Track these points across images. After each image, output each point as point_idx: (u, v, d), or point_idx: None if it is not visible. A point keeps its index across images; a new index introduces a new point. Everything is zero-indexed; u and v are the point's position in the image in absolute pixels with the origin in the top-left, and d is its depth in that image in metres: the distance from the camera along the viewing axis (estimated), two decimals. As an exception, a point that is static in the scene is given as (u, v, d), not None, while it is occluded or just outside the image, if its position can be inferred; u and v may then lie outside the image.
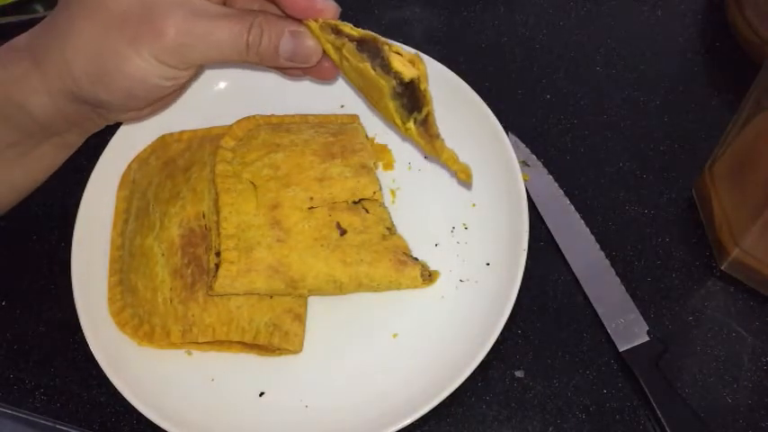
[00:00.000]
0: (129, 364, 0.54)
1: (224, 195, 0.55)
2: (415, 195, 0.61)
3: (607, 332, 0.55)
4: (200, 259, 0.55)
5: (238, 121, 0.59)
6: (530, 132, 0.65)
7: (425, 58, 0.63)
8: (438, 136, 0.47)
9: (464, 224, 0.59)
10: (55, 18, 0.47)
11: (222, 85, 0.65)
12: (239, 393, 0.54)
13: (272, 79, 0.64)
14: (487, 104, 0.62)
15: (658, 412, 0.51)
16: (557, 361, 0.55)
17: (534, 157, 0.63)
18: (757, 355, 0.55)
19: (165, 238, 0.56)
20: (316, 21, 0.47)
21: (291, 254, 0.53)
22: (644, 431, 0.53)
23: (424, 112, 0.47)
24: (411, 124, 0.47)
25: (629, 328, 0.55)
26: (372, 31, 0.66)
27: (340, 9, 0.48)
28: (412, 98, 0.47)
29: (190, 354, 0.55)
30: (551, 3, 0.72)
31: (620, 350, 0.54)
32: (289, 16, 0.48)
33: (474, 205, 0.60)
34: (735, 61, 0.68)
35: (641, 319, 0.56)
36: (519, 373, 0.55)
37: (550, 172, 0.62)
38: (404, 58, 0.46)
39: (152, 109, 0.53)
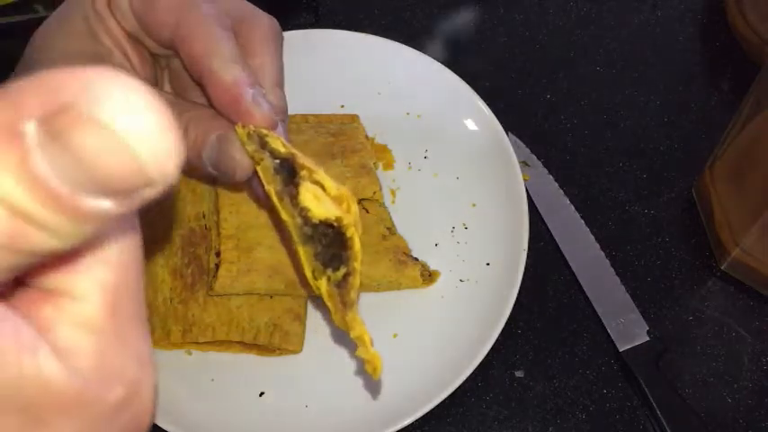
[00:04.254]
0: (129, 364, 0.53)
1: (224, 196, 0.55)
2: (415, 195, 0.60)
3: (607, 332, 0.55)
4: (201, 259, 0.55)
5: (238, 122, 0.59)
6: (530, 132, 0.65)
7: (426, 58, 0.64)
8: (353, 305, 0.36)
9: (464, 224, 0.59)
10: None
11: (222, 85, 0.65)
12: (239, 393, 0.54)
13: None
14: (487, 104, 0.62)
15: (658, 412, 0.51)
16: (557, 361, 0.55)
17: (534, 157, 0.63)
18: (757, 355, 0.55)
19: (165, 238, 0.56)
20: (245, 127, 0.38)
21: (291, 254, 0.53)
22: (644, 431, 0.53)
23: (342, 271, 0.36)
24: (323, 282, 0.36)
25: (629, 328, 0.55)
26: (372, 32, 0.66)
27: (276, 119, 0.39)
28: (334, 248, 0.36)
29: (190, 354, 0.55)
30: (551, 3, 0.72)
31: (621, 350, 0.54)
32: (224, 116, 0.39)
33: (474, 205, 0.60)
34: (735, 61, 0.68)
35: (641, 318, 0.55)
36: (519, 373, 0.55)
37: (550, 172, 0.62)
38: (327, 192, 0.35)
39: None
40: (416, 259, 0.56)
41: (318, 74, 0.65)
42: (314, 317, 0.56)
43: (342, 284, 0.36)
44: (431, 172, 0.61)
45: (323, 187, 0.35)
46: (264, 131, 0.37)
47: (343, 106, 0.64)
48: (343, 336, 0.55)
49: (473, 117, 0.62)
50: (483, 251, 0.57)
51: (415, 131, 0.63)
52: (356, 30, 0.66)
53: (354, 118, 0.62)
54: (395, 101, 0.64)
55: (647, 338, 0.54)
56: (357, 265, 0.36)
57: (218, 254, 0.53)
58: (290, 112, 0.63)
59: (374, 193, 0.56)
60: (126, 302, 0.19)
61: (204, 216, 0.56)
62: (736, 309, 0.57)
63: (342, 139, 0.59)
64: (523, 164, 0.62)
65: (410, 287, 0.56)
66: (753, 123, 0.53)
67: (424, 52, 0.65)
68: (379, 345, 0.55)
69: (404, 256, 0.55)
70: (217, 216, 0.54)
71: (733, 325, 0.56)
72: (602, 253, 0.58)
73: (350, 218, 0.35)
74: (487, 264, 0.57)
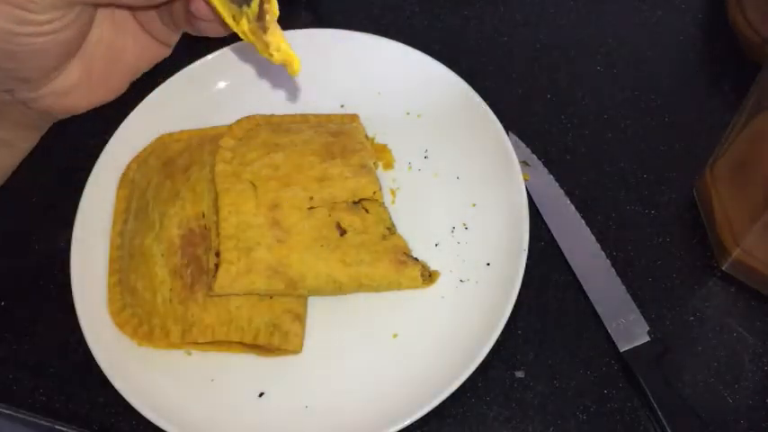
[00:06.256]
0: (129, 365, 0.53)
1: (223, 195, 0.55)
2: (415, 195, 0.60)
3: (607, 332, 0.55)
4: (200, 259, 0.55)
5: (238, 121, 0.59)
6: (530, 132, 0.64)
7: (426, 58, 0.64)
8: (271, 25, 0.38)
9: (464, 224, 0.59)
10: None
11: (222, 84, 0.65)
12: (239, 393, 0.54)
13: (272, 79, 0.65)
14: (487, 104, 0.62)
15: (659, 413, 0.51)
16: (557, 361, 0.55)
17: (534, 156, 0.63)
18: (758, 355, 0.55)
19: (164, 238, 0.56)
20: None
21: (291, 254, 0.53)
22: None
23: (256, 2, 0.37)
24: (244, 23, 0.38)
25: (629, 329, 0.55)
26: (372, 32, 0.66)
27: None
28: None
29: (189, 354, 0.55)
30: (552, 2, 0.72)
31: (621, 350, 0.54)
32: None
33: (474, 205, 0.60)
34: (735, 61, 0.68)
35: (642, 319, 0.55)
36: (519, 374, 0.55)
37: (551, 172, 0.62)
38: None
39: (60, 84, 0.42)
40: (416, 259, 0.56)
41: (318, 74, 0.65)
42: (314, 317, 0.56)
43: (261, 16, 0.38)
44: (431, 172, 0.61)
45: None
46: None
47: (343, 106, 0.64)
48: (342, 336, 0.55)
49: (473, 117, 0.62)
50: (483, 251, 0.57)
51: (415, 131, 0.63)
52: (356, 30, 0.66)
53: (354, 118, 0.62)
54: (395, 101, 0.64)
55: (648, 339, 0.54)
56: None
57: (217, 254, 0.53)
58: (291, 111, 0.63)
59: (374, 192, 0.56)
60: None
61: (204, 216, 0.56)
62: (737, 309, 0.57)
63: (342, 139, 0.59)
64: (523, 164, 0.62)
65: (410, 287, 0.56)
66: (753, 123, 0.53)
67: (424, 52, 0.65)
68: (379, 345, 0.55)
69: (404, 256, 0.55)
70: (216, 216, 0.54)
71: (734, 325, 0.56)
72: (603, 253, 0.58)
73: None
74: (487, 264, 0.57)
